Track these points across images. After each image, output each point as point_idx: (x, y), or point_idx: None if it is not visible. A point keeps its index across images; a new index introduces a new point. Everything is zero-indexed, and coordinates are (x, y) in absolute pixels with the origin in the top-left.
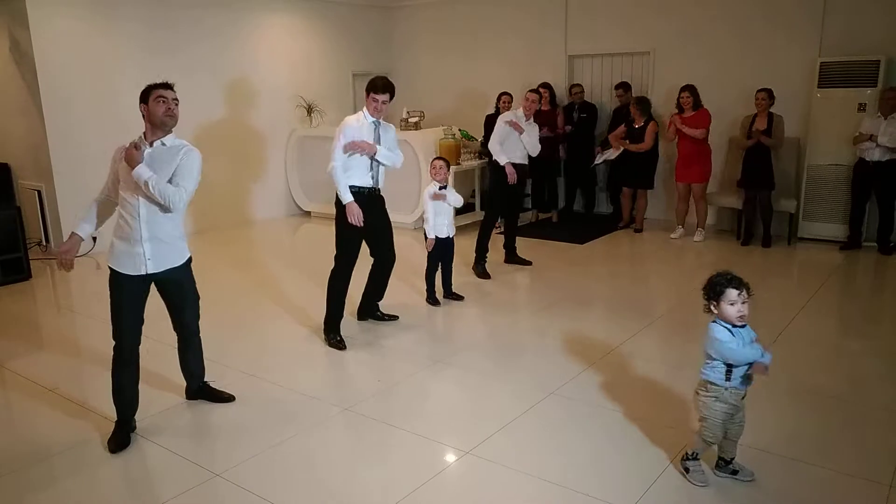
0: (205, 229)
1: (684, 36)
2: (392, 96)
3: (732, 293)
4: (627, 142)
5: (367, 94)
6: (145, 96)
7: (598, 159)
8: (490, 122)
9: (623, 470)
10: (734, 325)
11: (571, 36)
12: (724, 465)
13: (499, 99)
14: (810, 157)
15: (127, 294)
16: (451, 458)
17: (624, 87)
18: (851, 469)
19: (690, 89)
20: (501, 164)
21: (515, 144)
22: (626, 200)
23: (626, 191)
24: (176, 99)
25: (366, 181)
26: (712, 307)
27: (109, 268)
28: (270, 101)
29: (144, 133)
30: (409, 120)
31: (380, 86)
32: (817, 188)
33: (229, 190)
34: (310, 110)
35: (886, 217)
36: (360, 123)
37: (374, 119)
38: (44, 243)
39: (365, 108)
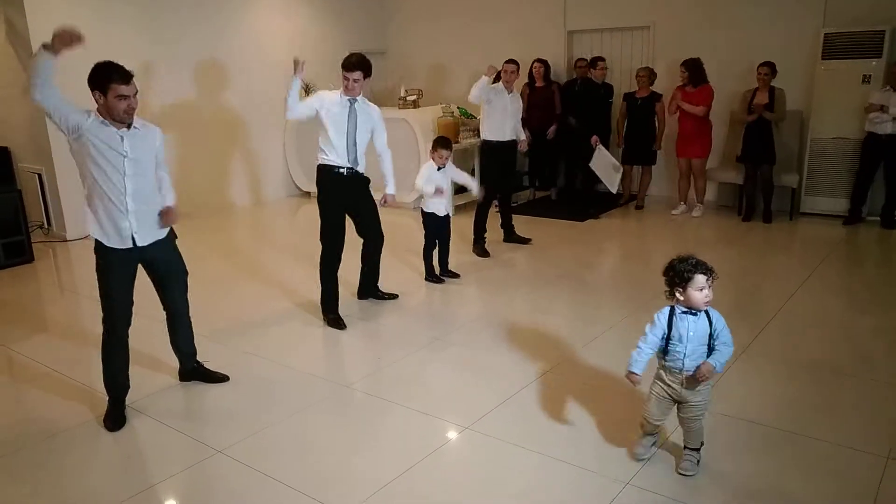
0: (203, 211)
1: (684, 9)
2: (366, 74)
3: (701, 279)
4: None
5: (341, 73)
6: (102, 86)
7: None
8: None
9: (622, 445)
10: (698, 310)
11: (571, 11)
12: (685, 449)
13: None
14: (813, 130)
15: (117, 270)
16: (450, 433)
17: (587, 61)
18: (850, 442)
19: (688, 64)
20: (481, 83)
21: (501, 117)
22: (626, 176)
23: (627, 168)
24: (136, 91)
25: (343, 162)
26: (677, 293)
27: (101, 247)
28: (267, 82)
29: (100, 112)
30: (408, 98)
31: (351, 63)
32: (820, 162)
33: (227, 172)
34: (307, 90)
35: (893, 191)
36: (336, 99)
37: (350, 98)
38: (45, 226)
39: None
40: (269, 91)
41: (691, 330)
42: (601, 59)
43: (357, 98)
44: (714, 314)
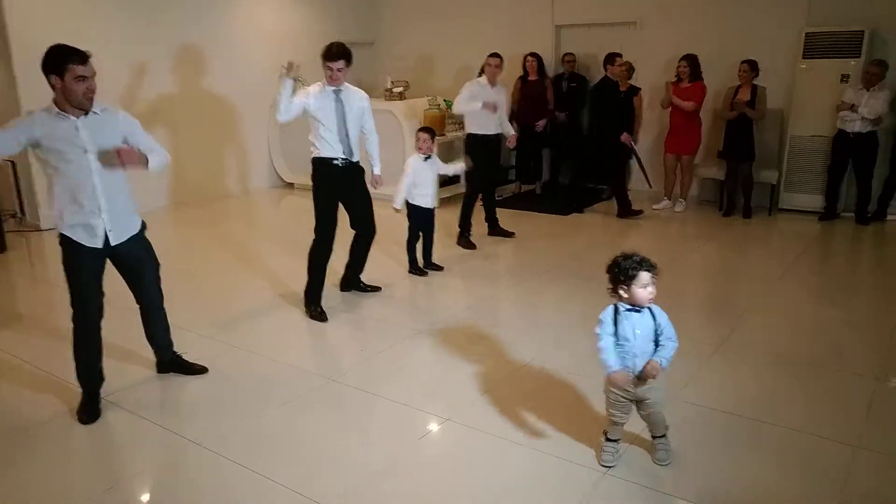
0: (186, 202)
1: (670, 6)
2: (349, 62)
3: (645, 276)
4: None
5: (322, 63)
6: (59, 68)
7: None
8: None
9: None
10: (641, 307)
11: (559, 5)
12: (654, 439)
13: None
14: (793, 128)
15: (87, 267)
16: (432, 424)
17: (569, 56)
18: (822, 431)
19: (689, 59)
20: (476, 109)
21: (488, 114)
22: None
23: None
24: (94, 73)
25: (337, 154)
26: (621, 290)
27: (67, 241)
28: (253, 73)
29: (56, 103)
30: (394, 90)
31: (333, 52)
32: (799, 159)
33: (211, 162)
34: (296, 83)
35: (864, 188)
36: (320, 92)
37: (335, 88)
38: (19, 215)
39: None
40: (255, 82)
41: (638, 327)
42: (618, 54)
43: (342, 87)
44: (657, 310)
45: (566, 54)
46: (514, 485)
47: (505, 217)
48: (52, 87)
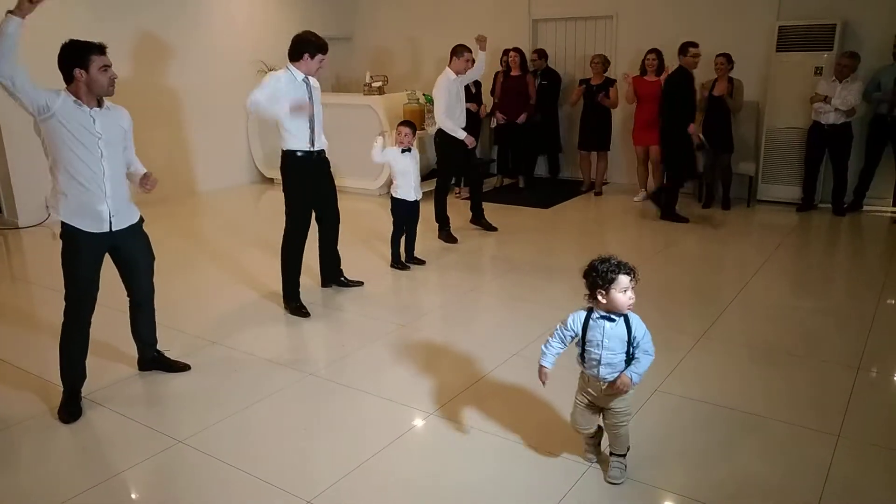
0: (162, 198)
1: (646, 1)
2: None
3: (625, 280)
4: (603, 95)
5: (312, 54)
6: (84, 60)
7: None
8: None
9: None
10: (619, 314)
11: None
12: (611, 455)
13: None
14: (769, 120)
15: (88, 258)
16: (415, 419)
17: (539, 53)
18: (803, 421)
19: (657, 52)
20: (460, 137)
21: (456, 105)
22: (585, 164)
23: (583, 154)
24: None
25: (308, 145)
26: (599, 296)
27: (70, 231)
28: (230, 66)
29: (72, 92)
30: (373, 84)
31: (327, 45)
32: (775, 151)
33: (187, 158)
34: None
35: (840, 179)
36: (290, 82)
37: (305, 78)
38: None
39: (292, 68)
40: (231, 76)
41: (606, 336)
42: (693, 43)
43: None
44: (634, 319)
45: (535, 50)
46: (497, 479)
47: (488, 211)
48: (74, 80)
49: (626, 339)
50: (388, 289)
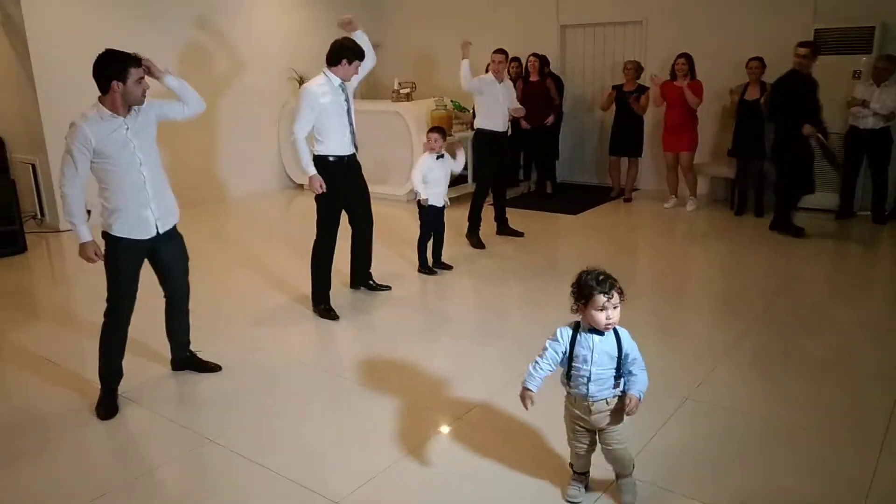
0: (193, 203)
1: (676, 5)
2: None
3: (600, 299)
4: (634, 97)
5: (350, 60)
6: (122, 74)
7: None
8: None
9: None
10: (600, 331)
11: (563, 5)
12: (618, 479)
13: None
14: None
15: (131, 262)
16: (441, 424)
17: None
18: (840, 434)
19: (687, 57)
20: (471, 87)
21: (494, 109)
22: (615, 169)
23: (613, 160)
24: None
25: (345, 149)
26: (578, 309)
27: (114, 237)
28: (262, 73)
29: (106, 103)
30: (401, 91)
31: (361, 51)
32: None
33: (219, 163)
34: (301, 82)
35: (880, 185)
36: (327, 88)
37: (340, 83)
38: (38, 217)
39: (330, 73)
40: (263, 83)
41: (596, 351)
42: (803, 44)
43: (346, 83)
44: (623, 334)
45: (513, 59)
46: (520, 481)
47: (514, 216)
48: (110, 91)
49: (616, 354)
50: (416, 293)
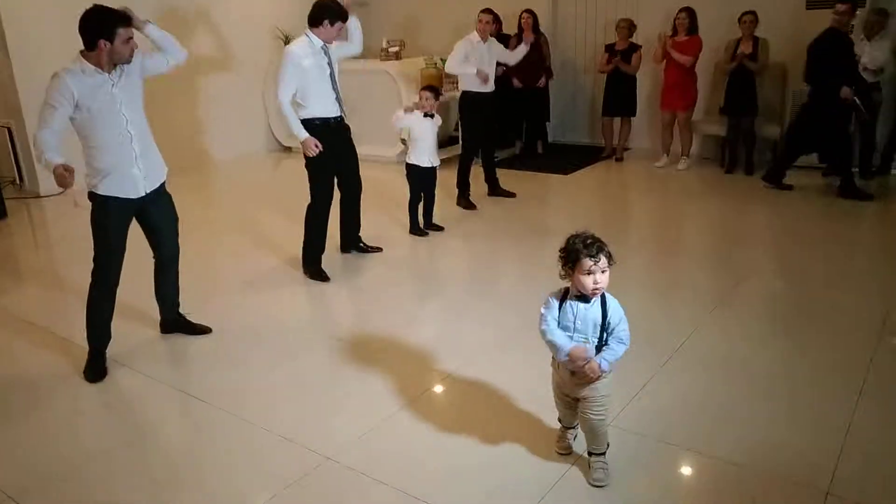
0: (179, 168)
1: None
2: None
3: (586, 262)
4: (619, 58)
5: (332, 21)
6: (110, 33)
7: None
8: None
9: None
10: (588, 296)
11: None
12: (591, 456)
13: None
14: (795, 82)
15: (119, 222)
16: (435, 379)
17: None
18: (826, 376)
19: (689, 11)
20: (470, 72)
21: (483, 68)
22: (608, 130)
23: (606, 120)
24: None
25: (331, 110)
26: (566, 273)
27: (101, 196)
28: (246, 33)
29: (91, 59)
30: (389, 50)
31: (343, 12)
32: None
33: (205, 126)
34: (287, 41)
35: (868, 141)
36: (309, 50)
37: (323, 45)
38: (17, 182)
39: (312, 35)
40: (248, 44)
41: (580, 319)
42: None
43: (330, 45)
44: (611, 303)
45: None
46: (508, 435)
47: (507, 177)
48: (97, 49)
49: (601, 322)
50: (407, 255)
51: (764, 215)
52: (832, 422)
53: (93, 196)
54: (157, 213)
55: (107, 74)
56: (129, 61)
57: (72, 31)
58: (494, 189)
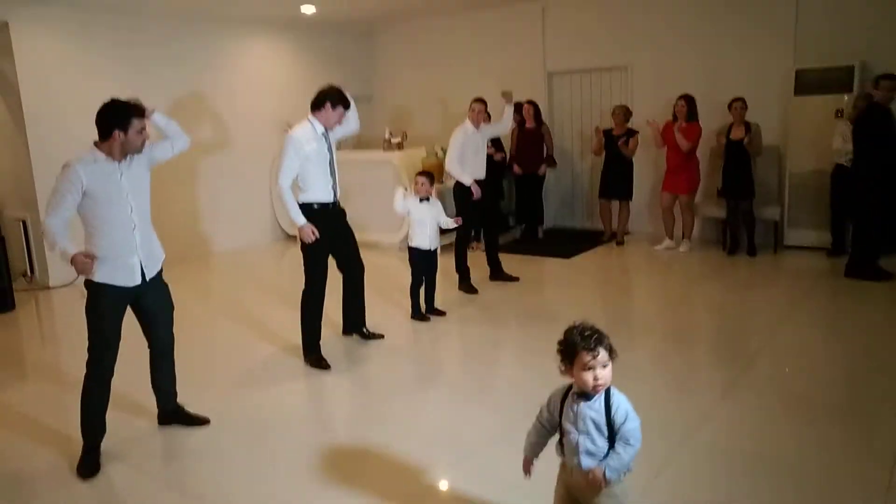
0: (181, 257)
1: (660, 51)
2: None
3: (585, 357)
4: (622, 142)
5: (333, 106)
6: (125, 123)
7: None
8: None
9: None
10: (589, 395)
11: (550, 53)
12: None
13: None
14: (791, 164)
15: (114, 310)
16: (439, 478)
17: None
18: (844, 478)
19: (687, 98)
20: (466, 183)
21: (473, 158)
22: (605, 213)
23: (603, 203)
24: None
25: (328, 196)
26: (564, 369)
27: (97, 284)
28: (254, 126)
29: (103, 149)
30: (392, 141)
31: (344, 97)
32: (800, 195)
33: (209, 216)
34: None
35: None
36: (312, 135)
37: (324, 131)
38: (28, 274)
39: (314, 120)
40: (255, 135)
41: (580, 419)
42: (887, 76)
43: (330, 130)
44: (617, 399)
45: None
46: None
47: (508, 262)
48: (111, 139)
49: (605, 421)
50: (409, 341)
51: (768, 296)
52: None
53: (88, 283)
54: (153, 301)
55: (117, 163)
56: (140, 151)
57: (88, 126)
58: (497, 273)
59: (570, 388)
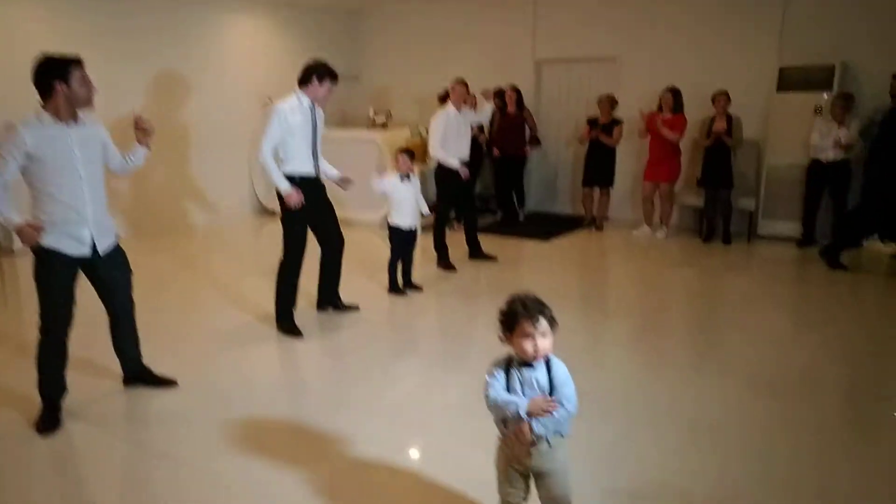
0: (159, 230)
1: (649, 43)
2: None
3: (526, 326)
4: (599, 130)
5: (320, 80)
6: (64, 74)
7: None
8: None
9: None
10: (528, 363)
11: (540, 41)
12: None
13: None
14: (769, 157)
15: (63, 276)
16: (406, 442)
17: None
18: (812, 445)
19: (673, 91)
20: (454, 167)
21: (456, 140)
22: (588, 200)
23: (586, 191)
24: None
25: (309, 169)
26: (505, 338)
27: (45, 250)
28: (230, 99)
29: (49, 109)
30: (376, 120)
31: (336, 74)
32: (776, 188)
33: (190, 190)
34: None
35: (840, 215)
36: (297, 107)
37: (311, 103)
38: None
39: (301, 94)
40: (236, 109)
41: (527, 384)
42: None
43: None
44: (556, 363)
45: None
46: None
47: (487, 242)
48: (54, 94)
49: (548, 386)
50: (384, 314)
51: (740, 282)
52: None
53: (35, 248)
54: (107, 272)
55: (65, 125)
56: (89, 104)
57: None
58: (476, 252)
59: (509, 360)
